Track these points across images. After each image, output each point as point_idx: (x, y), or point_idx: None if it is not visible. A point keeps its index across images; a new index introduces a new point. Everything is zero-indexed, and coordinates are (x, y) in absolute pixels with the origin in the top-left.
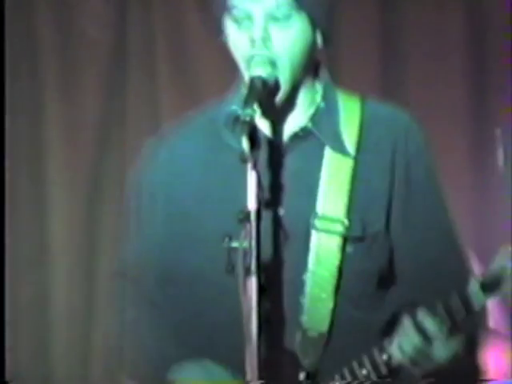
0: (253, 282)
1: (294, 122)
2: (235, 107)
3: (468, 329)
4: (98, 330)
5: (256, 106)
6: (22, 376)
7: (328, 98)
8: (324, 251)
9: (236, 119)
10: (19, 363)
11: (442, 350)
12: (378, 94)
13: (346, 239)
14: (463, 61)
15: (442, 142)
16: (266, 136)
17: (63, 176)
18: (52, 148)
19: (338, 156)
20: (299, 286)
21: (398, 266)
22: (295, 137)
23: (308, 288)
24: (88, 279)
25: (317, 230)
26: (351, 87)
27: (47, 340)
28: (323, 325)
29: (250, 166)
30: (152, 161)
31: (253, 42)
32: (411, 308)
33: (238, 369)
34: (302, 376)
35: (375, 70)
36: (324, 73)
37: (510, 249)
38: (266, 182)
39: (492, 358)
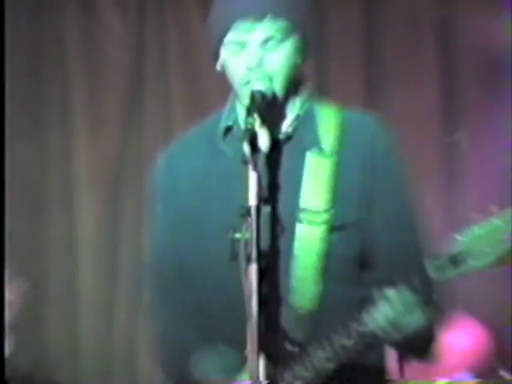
0: (253, 268)
1: (282, 129)
2: (230, 123)
3: (430, 303)
4: (120, 313)
5: (256, 116)
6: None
7: (309, 107)
8: (308, 239)
9: (228, 130)
10: (50, 345)
11: (409, 321)
12: (361, 101)
13: (326, 228)
14: (436, 75)
15: (418, 139)
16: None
17: (88, 177)
18: (79, 150)
19: (318, 158)
20: (289, 270)
21: (373, 251)
22: (282, 142)
23: (296, 272)
24: (110, 268)
25: (300, 221)
26: (336, 97)
27: (75, 323)
28: (311, 303)
29: (250, 167)
30: (161, 169)
31: (249, 68)
32: (385, 285)
33: (242, 345)
34: (291, 348)
35: (359, 82)
36: (307, 85)
37: (472, 228)
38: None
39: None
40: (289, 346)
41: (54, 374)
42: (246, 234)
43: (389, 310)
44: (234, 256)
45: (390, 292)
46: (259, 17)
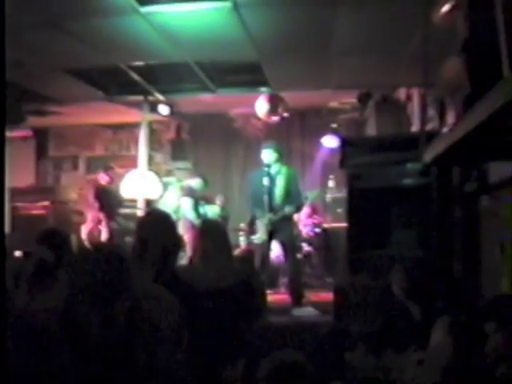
0: (266, 197)
1: (274, 170)
2: (265, 169)
3: (302, 204)
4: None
5: (267, 168)
6: None
7: (280, 165)
8: (279, 191)
9: (264, 170)
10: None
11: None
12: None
13: (283, 189)
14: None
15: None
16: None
17: (237, 171)
18: (233, 167)
19: (281, 177)
20: (275, 196)
21: (292, 194)
22: (274, 174)
23: (276, 197)
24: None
25: (277, 188)
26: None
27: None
28: (280, 204)
29: (266, 178)
30: (251, 177)
31: (266, 159)
32: (291, 202)
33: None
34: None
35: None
36: (281, 161)
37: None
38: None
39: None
40: (274, 211)
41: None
42: (266, 190)
43: (289, 208)
44: (264, 195)
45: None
46: (269, 148)
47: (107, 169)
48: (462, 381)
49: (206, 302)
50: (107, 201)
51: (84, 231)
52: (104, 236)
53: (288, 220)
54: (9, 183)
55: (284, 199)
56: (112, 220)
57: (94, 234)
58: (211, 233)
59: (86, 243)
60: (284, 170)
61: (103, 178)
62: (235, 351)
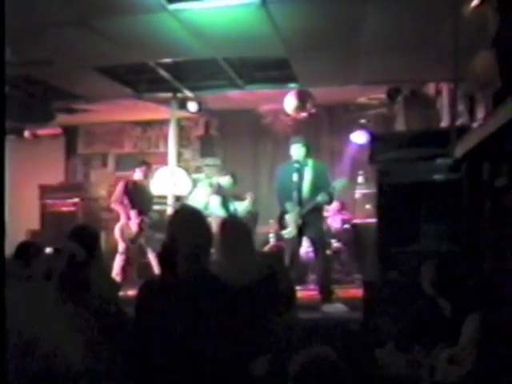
0: (295, 193)
1: (301, 163)
2: (293, 162)
3: (332, 193)
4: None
5: (296, 163)
6: None
7: (307, 159)
8: (307, 186)
9: (292, 163)
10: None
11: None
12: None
13: (310, 184)
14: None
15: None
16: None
17: (266, 167)
18: (262, 164)
19: (309, 170)
20: (303, 191)
21: (320, 187)
22: (300, 166)
23: (304, 191)
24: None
25: (305, 182)
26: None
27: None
28: (308, 197)
29: (295, 173)
30: (278, 170)
31: (295, 154)
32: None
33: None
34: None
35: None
36: (308, 155)
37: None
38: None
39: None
40: (303, 205)
41: None
42: (295, 186)
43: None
44: (293, 190)
45: (321, 194)
46: (297, 143)
47: (142, 164)
48: (492, 379)
49: (236, 297)
50: (138, 196)
51: (117, 228)
52: (134, 231)
53: (317, 215)
54: (39, 180)
55: (313, 193)
56: (144, 215)
57: (125, 229)
58: (232, 228)
59: (119, 239)
60: (312, 163)
61: (137, 174)
62: (263, 347)
